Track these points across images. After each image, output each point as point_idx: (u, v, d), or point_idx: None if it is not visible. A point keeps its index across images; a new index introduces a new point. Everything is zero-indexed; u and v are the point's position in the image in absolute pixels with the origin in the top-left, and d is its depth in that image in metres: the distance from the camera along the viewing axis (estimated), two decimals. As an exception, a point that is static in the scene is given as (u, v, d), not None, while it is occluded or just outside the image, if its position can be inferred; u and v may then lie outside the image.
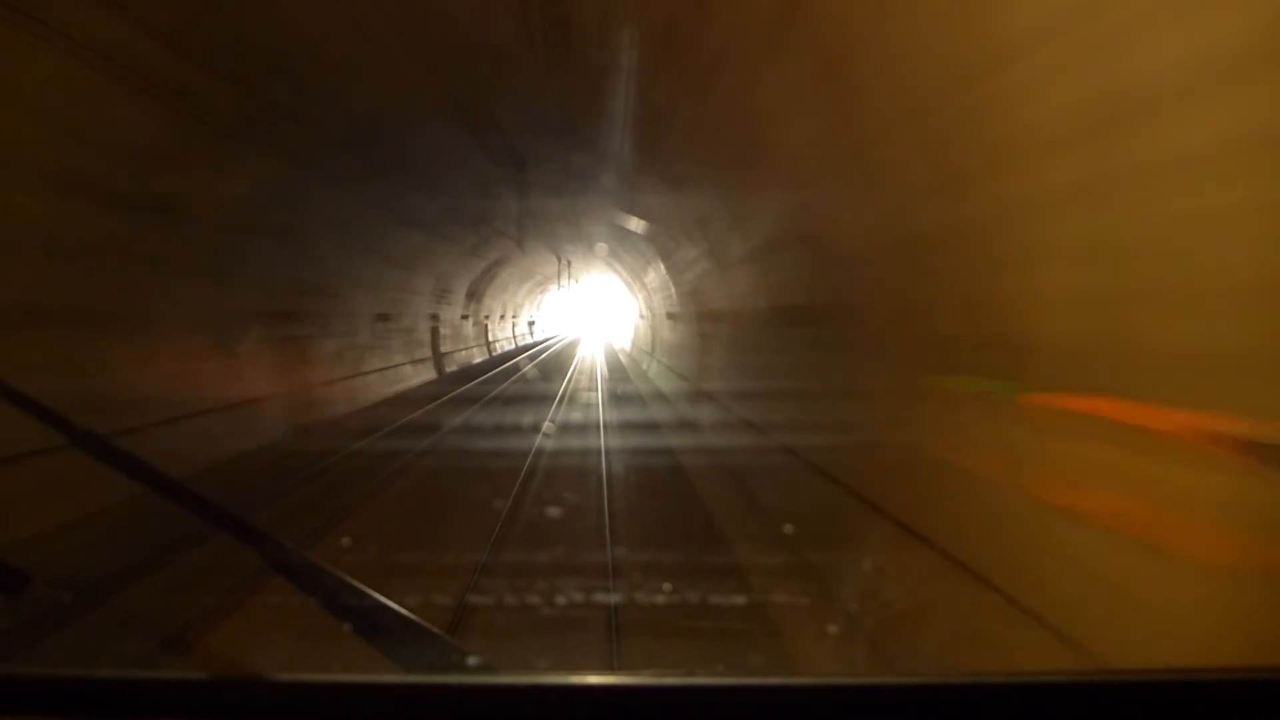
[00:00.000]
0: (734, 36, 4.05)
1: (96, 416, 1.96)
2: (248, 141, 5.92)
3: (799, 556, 4.28)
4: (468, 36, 5.23)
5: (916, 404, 3.28)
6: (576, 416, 11.04)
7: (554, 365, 21.10)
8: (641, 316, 20.04)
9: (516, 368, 19.25)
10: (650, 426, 10.28)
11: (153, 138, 4.99)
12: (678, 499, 6.35)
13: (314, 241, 8.82)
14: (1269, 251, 1.47)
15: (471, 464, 7.85)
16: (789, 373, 5.78)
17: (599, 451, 8.09)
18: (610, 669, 3.28)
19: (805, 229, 4.97)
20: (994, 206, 2.52)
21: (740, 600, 3.80)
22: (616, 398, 13.21)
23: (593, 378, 16.92)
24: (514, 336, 28.69)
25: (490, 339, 23.42)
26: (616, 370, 18.86)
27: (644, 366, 17.52)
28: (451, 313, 17.67)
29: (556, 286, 25.56)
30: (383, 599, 0.79)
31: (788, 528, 4.56)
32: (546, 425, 9.70)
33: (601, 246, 16.16)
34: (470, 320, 19.96)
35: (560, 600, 3.68)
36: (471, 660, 0.76)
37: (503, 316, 25.70)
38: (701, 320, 10.35)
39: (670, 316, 13.74)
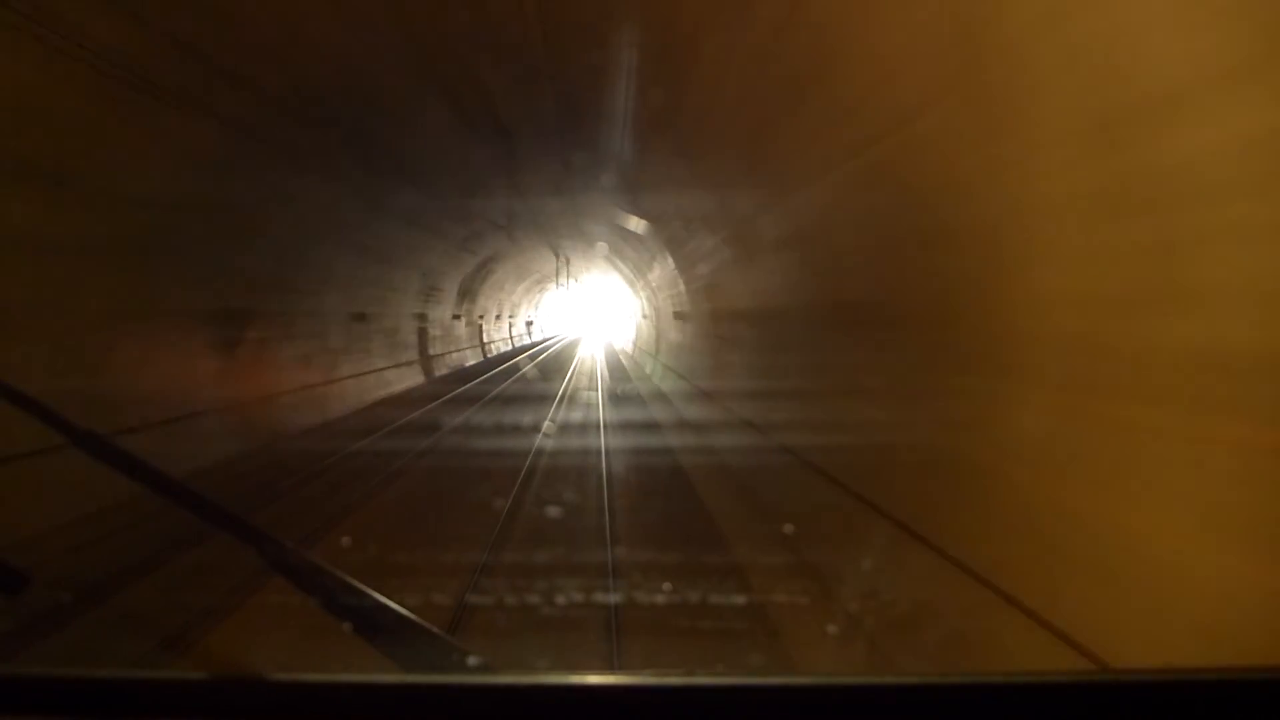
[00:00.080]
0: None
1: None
2: (181, 107, 4.82)
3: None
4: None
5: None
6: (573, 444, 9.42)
7: (552, 367, 20.62)
8: (645, 316, 18.63)
9: (513, 370, 18.35)
10: (651, 427, 9.95)
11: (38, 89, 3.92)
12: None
13: (272, 229, 7.55)
14: None
15: (452, 491, 6.63)
16: (847, 388, 4.21)
17: (599, 472, 8.06)
18: (610, 669, 3.28)
19: (879, 200, 3.46)
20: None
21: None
22: (617, 398, 12.92)
23: (592, 386, 15.37)
24: (511, 337, 27.55)
25: (485, 340, 22.35)
26: (617, 371, 18.33)
27: (647, 369, 16.42)
28: (441, 312, 16.51)
29: (555, 285, 24.38)
30: (383, 599, 0.79)
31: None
32: (547, 424, 9.67)
33: (602, 245, 15.45)
34: (463, 320, 18.85)
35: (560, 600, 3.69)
36: (471, 660, 0.76)
37: (498, 316, 24.59)
38: (718, 320, 8.85)
39: (679, 317, 12.18)
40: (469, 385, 14.52)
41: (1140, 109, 1.79)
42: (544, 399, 12.82)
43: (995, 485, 2.57)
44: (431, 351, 15.88)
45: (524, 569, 4.32)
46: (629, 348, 23.41)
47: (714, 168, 6.09)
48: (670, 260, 10.91)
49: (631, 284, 18.43)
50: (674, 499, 6.29)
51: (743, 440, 6.54)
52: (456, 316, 18.05)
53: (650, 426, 10.08)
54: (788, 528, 4.47)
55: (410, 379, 13.99)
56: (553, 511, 5.93)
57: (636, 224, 11.09)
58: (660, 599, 3.77)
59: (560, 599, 3.71)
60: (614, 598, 3.87)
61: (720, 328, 8.74)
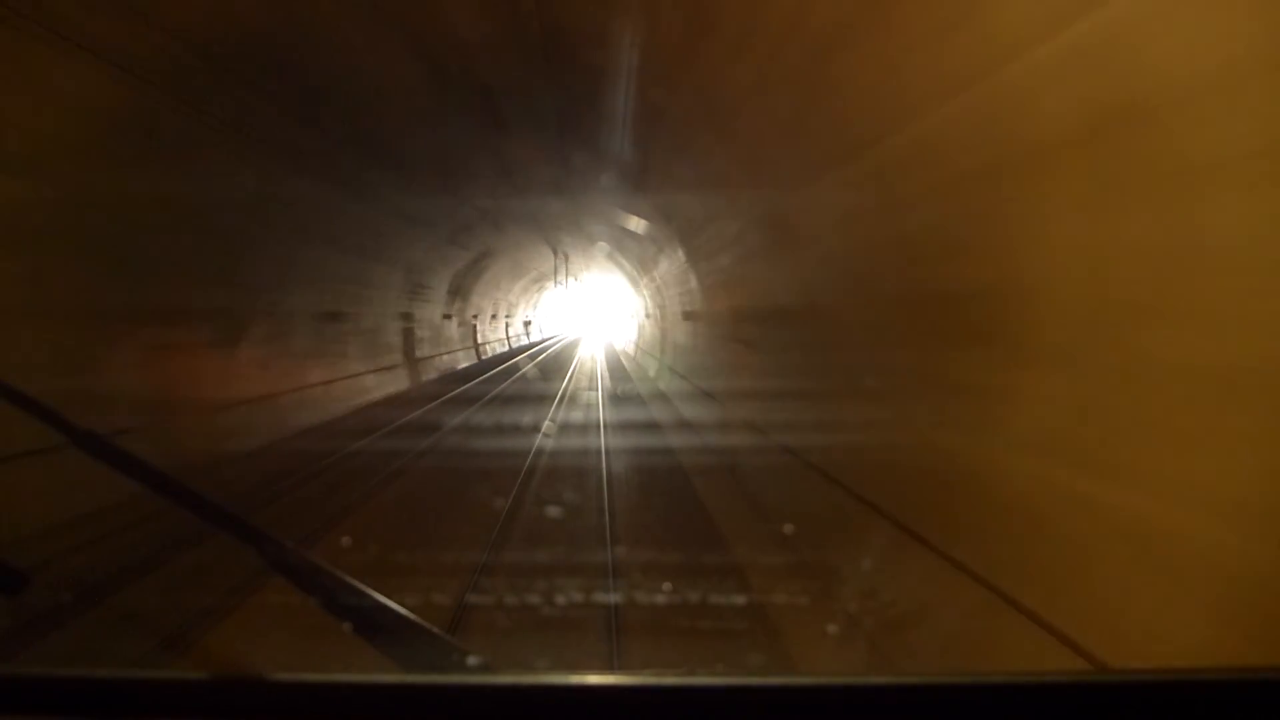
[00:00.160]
0: None
1: None
2: (84, 54, 3.88)
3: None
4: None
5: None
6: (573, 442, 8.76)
7: (552, 367, 20.14)
8: (648, 316, 17.21)
9: (509, 372, 17.39)
10: (651, 426, 9.51)
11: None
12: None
13: (219, 218, 6.50)
14: None
15: (428, 519, 5.63)
16: (939, 413, 3.02)
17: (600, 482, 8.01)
18: (610, 669, 3.28)
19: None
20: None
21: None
22: (618, 399, 12.45)
23: (591, 394, 13.39)
24: (507, 338, 26.32)
25: (480, 341, 21.12)
26: (618, 372, 17.91)
27: (651, 373, 15.16)
28: (430, 311, 15.28)
29: (553, 284, 23.21)
30: (383, 599, 0.79)
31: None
32: (547, 425, 9.63)
33: (602, 244, 14.81)
34: (455, 320, 17.64)
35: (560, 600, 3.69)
36: (471, 660, 0.76)
37: (494, 316, 23.38)
38: (739, 321, 7.46)
39: (688, 317, 10.80)
40: (459, 389, 13.45)
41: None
42: (542, 398, 12.74)
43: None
44: (419, 354, 14.63)
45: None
46: (630, 349, 22.26)
47: (746, 129, 4.78)
48: (680, 253, 9.60)
49: (634, 281, 17.23)
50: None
51: (773, 461, 5.28)
52: (447, 316, 16.91)
53: (650, 426, 9.96)
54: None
55: (393, 384, 12.65)
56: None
57: (637, 225, 10.55)
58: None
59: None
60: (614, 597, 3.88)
61: (743, 329, 7.25)
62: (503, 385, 14.83)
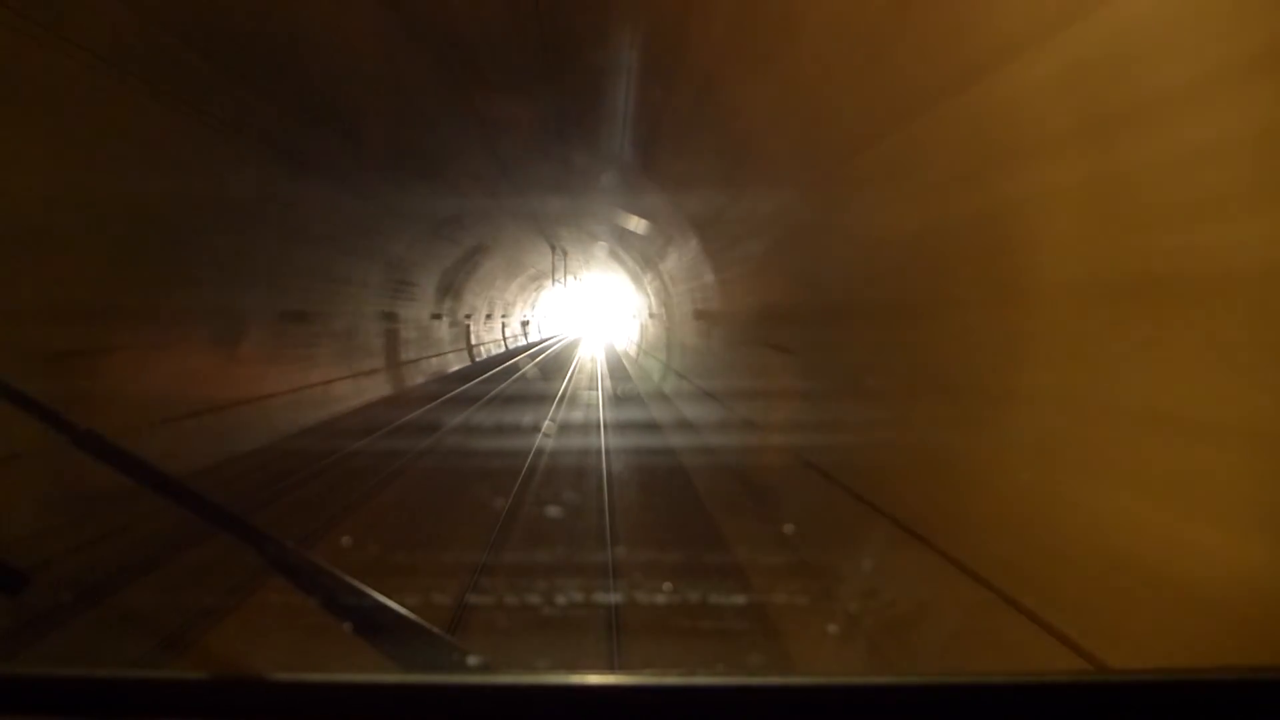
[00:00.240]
0: None
1: None
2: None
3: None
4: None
5: None
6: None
7: (551, 368, 19.56)
8: (652, 315, 15.53)
9: (505, 375, 16.46)
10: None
11: None
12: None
13: (149, 205, 5.38)
14: None
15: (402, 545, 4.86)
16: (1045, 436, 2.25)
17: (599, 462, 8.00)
18: (610, 669, 3.28)
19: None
20: None
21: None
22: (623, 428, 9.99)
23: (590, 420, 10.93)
24: (504, 339, 25.14)
25: (473, 342, 20.01)
26: (619, 375, 17.24)
27: (655, 378, 13.83)
28: (417, 311, 14.15)
29: (551, 282, 22.15)
30: (383, 599, 0.79)
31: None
32: (546, 424, 9.57)
33: (602, 245, 14.15)
34: (446, 320, 16.49)
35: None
36: (471, 660, 0.76)
37: (489, 316, 22.13)
38: (766, 321, 6.17)
39: (700, 316, 9.44)
40: (446, 396, 12.24)
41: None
42: (543, 398, 12.66)
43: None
44: (404, 357, 13.42)
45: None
46: (632, 350, 20.89)
47: (800, 54, 3.48)
48: (694, 242, 8.27)
49: (637, 278, 15.87)
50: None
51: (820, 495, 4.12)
52: (437, 316, 15.70)
53: (649, 425, 9.88)
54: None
55: (372, 390, 11.41)
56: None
57: (637, 224, 10.00)
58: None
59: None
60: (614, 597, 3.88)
61: (777, 332, 5.76)
62: (502, 385, 14.52)
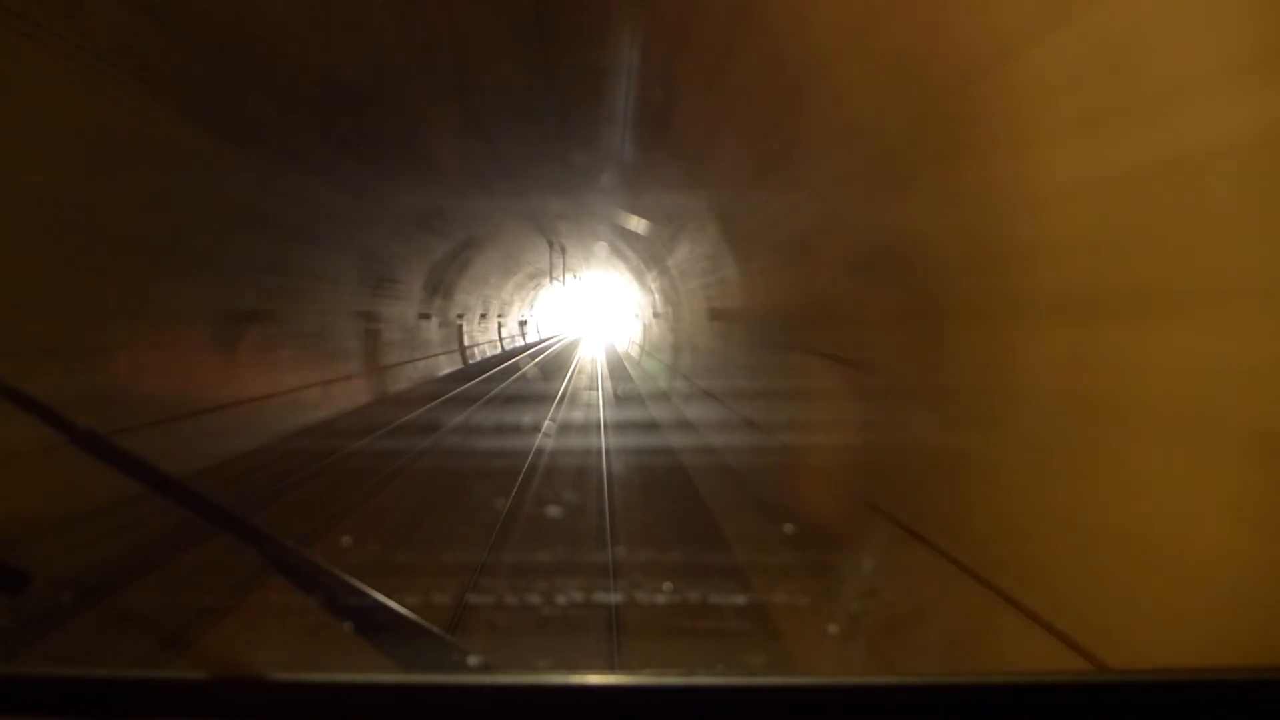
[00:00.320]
0: None
1: None
2: None
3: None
4: None
5: None
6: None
7: (551, 368, 19.19)
8: (656, 315, 14.26)
9: (500, 377, 15.73)
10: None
11: None
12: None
13: (55, 187, 4.48)
14: None
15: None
16: None
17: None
18: (610, 669, 3.29)
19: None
20: None
21: None
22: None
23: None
24: (500, 339, 23.98)
25: (467, 344, 18.77)
26: (624, 391, 14.72)
27: (662, 385, 12.53)
28: (401, 310, 13.04)
29: (549, 280, 20.92)
30: (383, 599, 0.79)
31: None
32: (547, 424, 9.54)
33: (602, 245, 13.69)
34: (435, 320, 15.45)
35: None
36: (472, 660, 0.76)
37: (484, 315, 20.97)
38: (817, 325, 4.59)
39: (717, 316, 8.08)
40: (429, 405, 11.18)
41: None
42: (543, 398, 12.61)
43: None
44: (386, 361, 12.30)
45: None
46: (634, 353, 19.77)
47: None
48: (714, 227, 7.05)
49: (640, 274, 14.58)
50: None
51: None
52: (425, 315, 14.59)
53: (647, 424, 9.78)
54: None
55: (346, 398, 10.18)
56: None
57: (637, 224, 9.41)
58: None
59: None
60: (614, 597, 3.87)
61: (821, 336, 4.45)
62: (502, 385, 14.28)
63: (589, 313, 38.43)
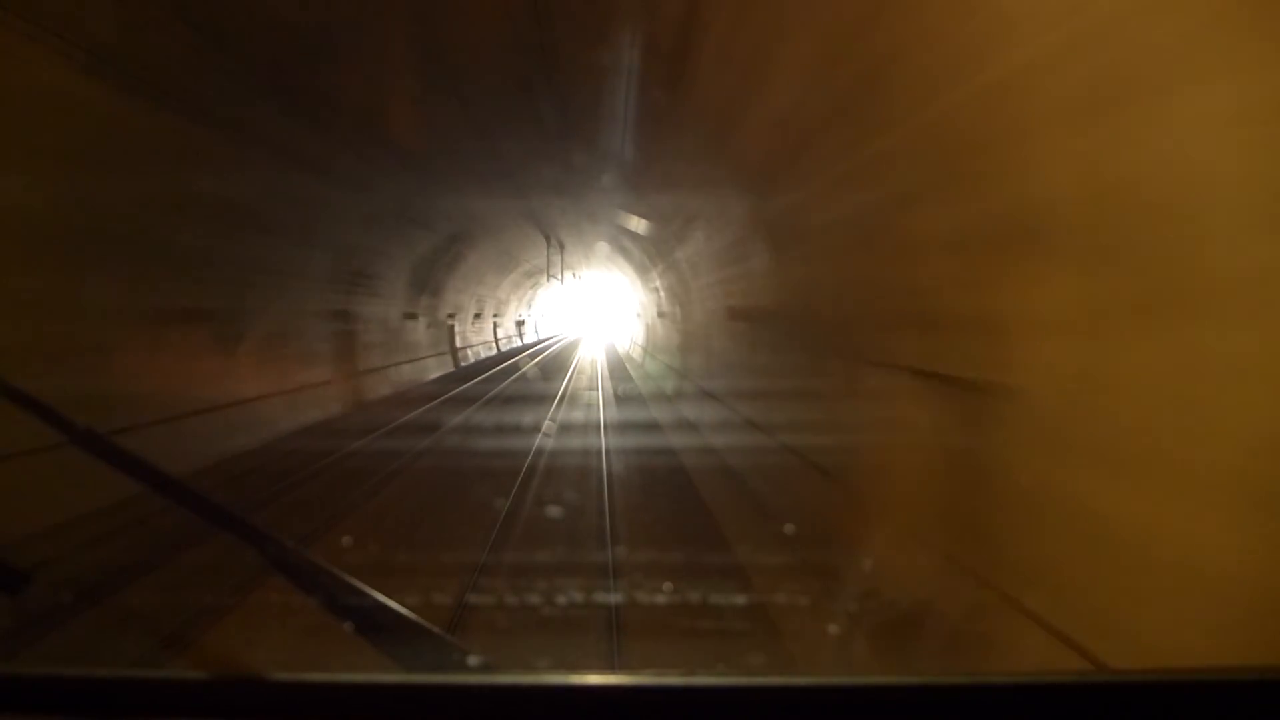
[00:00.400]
0: None
1: None
2: None
3: None
4: None
5: None
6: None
7: (552, 368, 18.77)
8: (661, 315, 12.96)
9: (494, 380, 14.73)
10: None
11: None
12: None
13: None
14: None
15: None
16: None
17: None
18: (610, 669, 3.29)
19: None
20: None
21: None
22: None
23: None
24: (496, 340, 22.97)
25: (458, 345, 17.67)
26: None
27: (679, 406, 10.08)
28: (382, 309, 11.96)
29: (547, 278, 19.68)
30: (383, 598, 0.79)
31: None
32: (547, 424, 9.48)
33: (602, 246, 13.08)
34: (423, 320, 14.47)
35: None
36: (472, 660, 0.76)
37: (478, 315, 19.95)
38: (893, 330, 3.28)
39: (737, 316, 6.71)
40: (402, 419, 9.70)
41: None
42: (543, 398, 12.55)
43: None
44: (365, 365, 11.12)
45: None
46: (637, 355, 18.44)
47: None
48: (738, 209, 5.80)
49: (644, 270, 13.20)
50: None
51: None
52: (411, 315, 13.58)
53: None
54: None
55: (314, 408, 8.88)
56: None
57: (637, 224, 8.81)
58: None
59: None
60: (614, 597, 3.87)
61: (904, 343, 3.15)
62: (500, 386, 14.02)
63: (589, 312, 38.42)
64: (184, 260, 6.27)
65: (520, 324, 28.84)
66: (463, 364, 17.53)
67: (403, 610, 0.78)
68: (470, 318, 19.24)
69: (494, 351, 22.19)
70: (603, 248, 14.70)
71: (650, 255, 11.37)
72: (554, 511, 5.85)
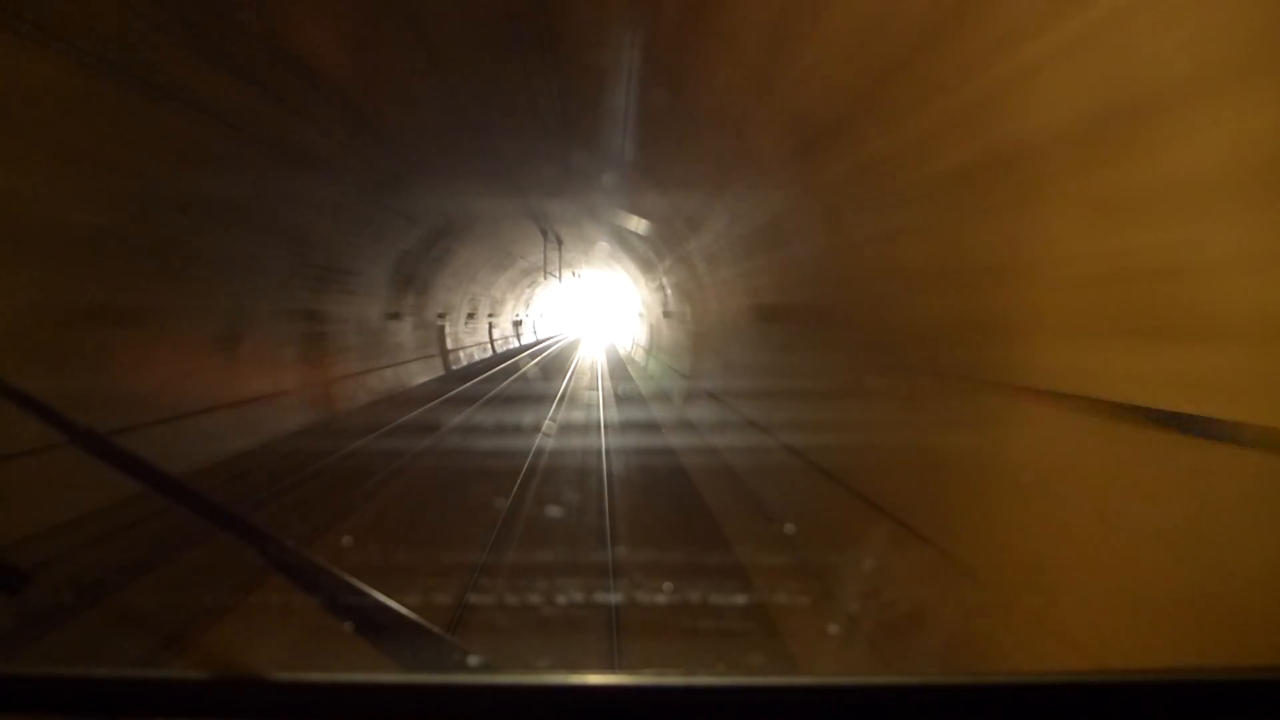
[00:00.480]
0: None
1: None
2: None
3: None
4: None
5: None
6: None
7: (552, 368, 18.47)
8: (667, 315, 12.10)
9: (488, 383, 13.88)
10: None
11: None
12: None
13: None
14: None
15: None
16: None
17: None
18: (610, 669, 3.29)
19: None
20: None
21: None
22: None
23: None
24: (491, 341, 21.73)
25: (449, 347, 16.44)
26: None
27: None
28: (359, 309, 10.71)
29: (544, 276, 18.69)
30: (384, 598, 0.79)
31: None
32: (547, 424, 9.46)
33: (603, 245, 12.78)
34: (409, 321, 13.32)
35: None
36: (472, 660, 0.76)
37: (471, 315, 18.60)
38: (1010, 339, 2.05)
39: (764, 316, 5.42)
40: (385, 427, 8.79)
41: None
42: (542, 398, 12.49)
43: None
44: (338, 371, 9.91)
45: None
46: (640, 358, 17.29)
47: None
48: (780, 178, 4.30)
49: (650, 266, 12.13)
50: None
51: None
52: (395, 315, 12.44)
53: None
54: None
55: (273, 422, 7.72)
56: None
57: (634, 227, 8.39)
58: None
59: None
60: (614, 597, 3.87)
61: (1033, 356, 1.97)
62: (498, 387, 13.77)
63: (589, 312, 38.39)
64: (94, 248, 4.91)
65: (517, 324, 27.85)
66: (454, 367, 16.34)
67: (403, 610, 0.78)
68: (463, 318, 17.86)
69: (489, 354, 20.77)
70: (603, 247, 14.40)
71: (657, 247, 10.06)
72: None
